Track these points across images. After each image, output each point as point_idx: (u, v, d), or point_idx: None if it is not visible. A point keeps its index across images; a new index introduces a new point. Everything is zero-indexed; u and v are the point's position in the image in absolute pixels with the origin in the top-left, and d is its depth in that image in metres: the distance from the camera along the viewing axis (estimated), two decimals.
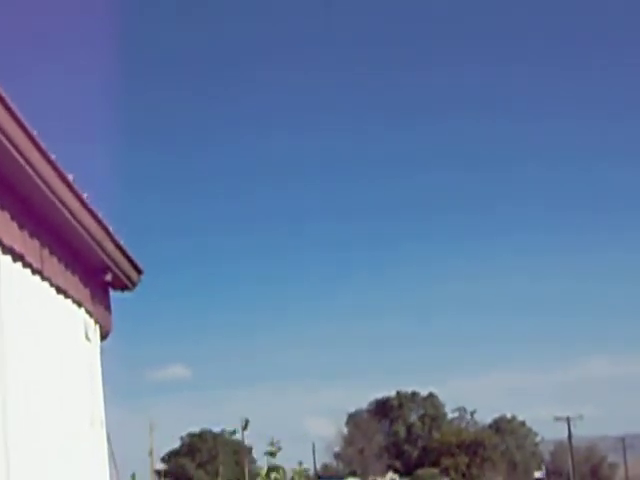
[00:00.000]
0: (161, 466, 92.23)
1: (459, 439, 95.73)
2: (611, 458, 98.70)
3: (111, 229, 8.26)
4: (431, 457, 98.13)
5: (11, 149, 5.87)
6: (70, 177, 7.09)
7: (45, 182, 6.64)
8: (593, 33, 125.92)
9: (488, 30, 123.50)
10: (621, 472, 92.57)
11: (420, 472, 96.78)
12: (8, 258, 6.42)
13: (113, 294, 9.54)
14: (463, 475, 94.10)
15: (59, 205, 7.02)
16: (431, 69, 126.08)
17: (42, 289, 7.14)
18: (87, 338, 8.29)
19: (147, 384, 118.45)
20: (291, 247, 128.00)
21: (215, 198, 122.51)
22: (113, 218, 8.37)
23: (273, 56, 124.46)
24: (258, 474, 15.56)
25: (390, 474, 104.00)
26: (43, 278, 7.13)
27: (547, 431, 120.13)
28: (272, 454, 15.61)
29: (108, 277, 8.73)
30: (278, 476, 15.53)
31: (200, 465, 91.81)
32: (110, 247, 8.39)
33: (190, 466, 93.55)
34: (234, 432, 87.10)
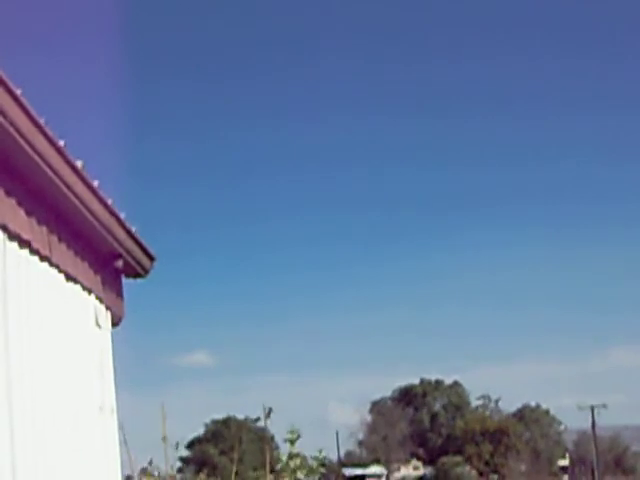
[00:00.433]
0: (185, 453, 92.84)
1: (483, 427, 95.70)
2: (635, 447, 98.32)
3: (122, 216, 8.28)
4: (455, 445, 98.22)
5: (14, 134, 5.87)
6: (79, 164, 7.10)
7: (53, 169, 6.65)
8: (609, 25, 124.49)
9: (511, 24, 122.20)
10: None
11: (444, 460, 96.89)
12: (15, 244, 6.42)
13: (142, 283, 9.66)
14: (486, 463, 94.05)
15: (67, 192, 7.03)
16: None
17: (50, 275, 7.15)
18: (97, 324, 8.31)
19: (171, 371, 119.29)
20: (321, 235, 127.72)
21: (242, 186, 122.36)
22: (131, 208, 8.44)
23: (288, 45, 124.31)
24: (280, 461, 15.69)
25: (414, 462, 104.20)
26: (51, 265, 7.13)
27: (571, 420, 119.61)
28: (291, 442, 15.74)
29: (119, 264, 8.74)
30: (298, 463, 15.64)
31: (223, 452, 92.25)
32: (121, 234, 8.41)
33: (213, 452, 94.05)
34: (257, 419, 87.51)
